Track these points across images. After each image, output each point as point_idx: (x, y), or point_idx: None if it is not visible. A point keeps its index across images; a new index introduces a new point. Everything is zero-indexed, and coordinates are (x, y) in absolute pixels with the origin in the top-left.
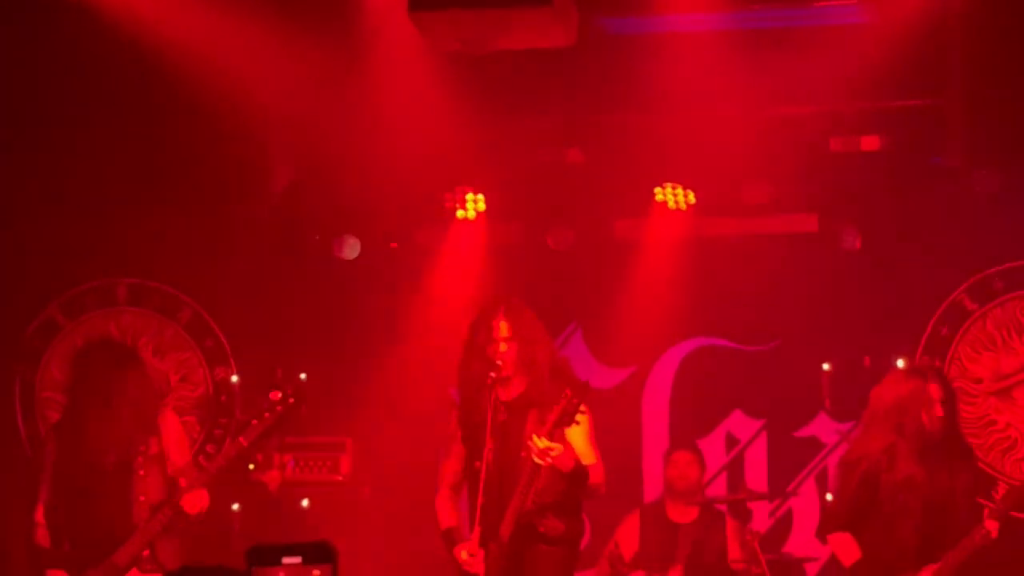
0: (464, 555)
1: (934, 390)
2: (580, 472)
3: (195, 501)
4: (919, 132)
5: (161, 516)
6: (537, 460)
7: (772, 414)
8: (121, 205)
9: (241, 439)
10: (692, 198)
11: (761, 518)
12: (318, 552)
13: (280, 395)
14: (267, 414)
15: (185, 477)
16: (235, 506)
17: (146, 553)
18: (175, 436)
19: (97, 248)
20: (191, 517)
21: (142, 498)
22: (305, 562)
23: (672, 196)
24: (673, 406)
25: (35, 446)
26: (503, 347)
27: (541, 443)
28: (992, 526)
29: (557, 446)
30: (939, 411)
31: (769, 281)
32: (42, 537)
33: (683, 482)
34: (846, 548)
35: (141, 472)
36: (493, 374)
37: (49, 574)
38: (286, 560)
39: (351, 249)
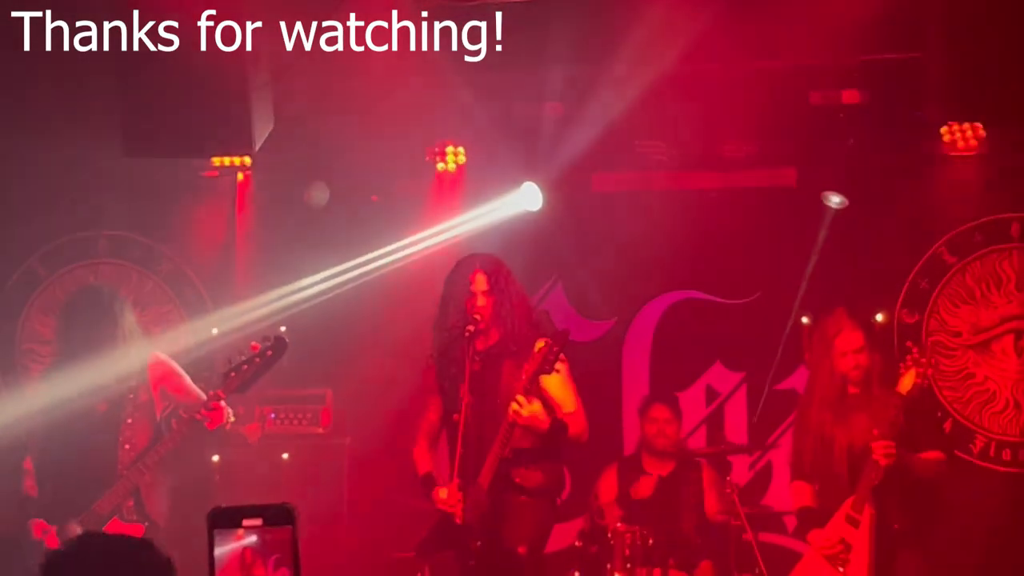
0: (443, 494)
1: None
2: (557, 427)
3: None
4: (900, 86)
5: (156, 453)
6: (512, 420)
7: (752, 367)
8: (100, 157)
9: (220, 391)
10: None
11: (741, 471)
12: (279, 514)
13: (259, 347)
14: (245, 366)
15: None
16: (215, 458)
17: (130, 504)
18: (167, 371)
19: (78, 200)
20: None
21: (127, 446)
22: (266, 524)
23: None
24: (653, 359)
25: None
26: (481, 300)
27: (525, 410)
28: (881, 449)
29: (534, 405)
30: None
31: (749, 235)
32: (29, 487)
33: (662, 440)
34: (798, 497)
35: (129, 420)
36: (471, 327)
37: (33, 523)
38: (246, 522)
39: (320, 196)
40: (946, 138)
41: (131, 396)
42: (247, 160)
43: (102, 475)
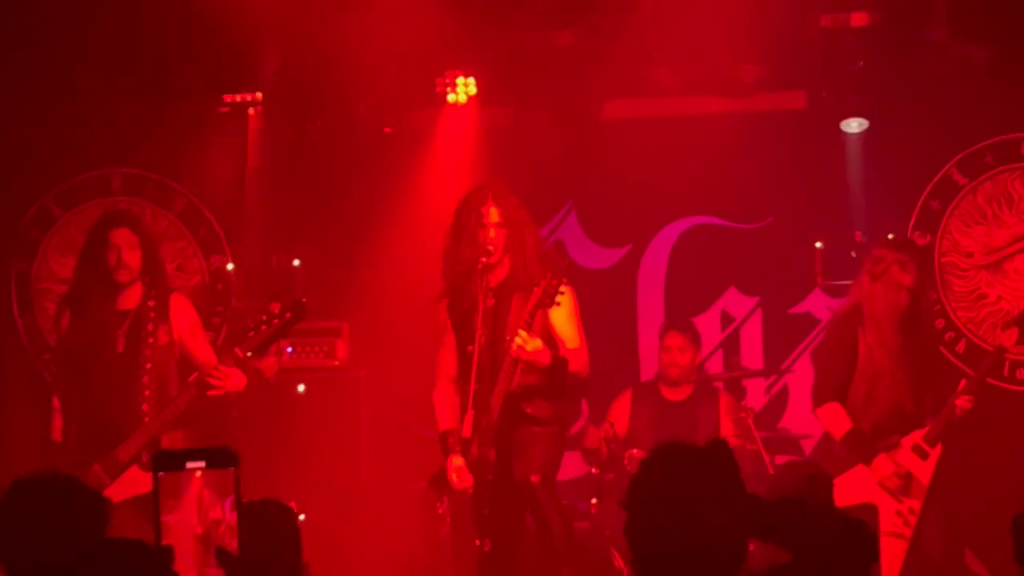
0: (454, 476)
1: (907, 277)
2: (558, 364)
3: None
4: (908, 7)
5: (172, 408)
6: (515, 356)
7: (767, 291)
8: (114, 95)
9: (238, 350)
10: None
11: (756, 395)
12: (221, 457)
13: (279, 307)
14: (264, 326)
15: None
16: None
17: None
18: (189, 323)
19: (91, 138)
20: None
21: (147, 392)
22: (209, 466)
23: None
24: (668, 284)
25: (32, 337)
26: (493, 232)
27: (529, 345)
28: (966, 400)
29: (535, 342)
30: (905, 298)
31: (760, 159)
32: (56, 427)
33: (674, 369)
34: (836, 419)
35: (148, 365)
36: (484, 259)
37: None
38: (190, 464)
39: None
40: (950, 59)
41: (150, 340)
42: (258, 96)
43: (124, 420)
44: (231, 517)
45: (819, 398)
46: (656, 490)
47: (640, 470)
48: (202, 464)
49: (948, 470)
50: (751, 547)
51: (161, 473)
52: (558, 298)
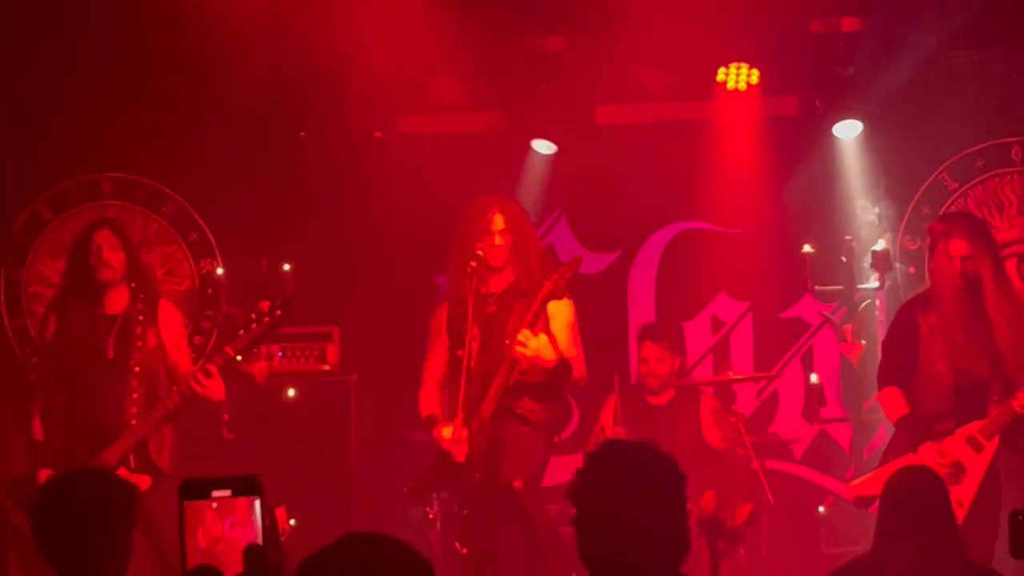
0: (446, 433)
1: (955, 246)
2: (563, 366)
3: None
4: (899, 12)
5: (160, 410)
6: (516, 357)
7: (757, 296)
8: (105, 99)
9: (228, 348)
10: (755, 78)
11: (747, 400)
12: (246, 485)
13: (268, 305)
14: (254, 325)
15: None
16: None
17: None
18: (175, 331)
19: (81, 143)
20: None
21: (135, 395)
22: (234, 495)
23: (735, 76)
24: (659, 289)
25: (22, 341)
26: (499, 240)
27: (532, 343)
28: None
29: (539, 339)
30: (957, 267)
31: (751, 163)
32: (37, 429)
33: (652, 380)
34: (893, 404)
35: (137, 368)
36: (473, 263)
37: (42, 473)
38: (215, 493)
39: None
40: (943, 63)
41: (139, 344)
42: (248, 99)
43: (111, 424)
44: (231, 535)
45: (880, 382)
46: (604, 482)
47: (587, 465)
48: (227, 493)
49: (1000, 467)
50: None
51: (186, 502)
52: (559, 304)
